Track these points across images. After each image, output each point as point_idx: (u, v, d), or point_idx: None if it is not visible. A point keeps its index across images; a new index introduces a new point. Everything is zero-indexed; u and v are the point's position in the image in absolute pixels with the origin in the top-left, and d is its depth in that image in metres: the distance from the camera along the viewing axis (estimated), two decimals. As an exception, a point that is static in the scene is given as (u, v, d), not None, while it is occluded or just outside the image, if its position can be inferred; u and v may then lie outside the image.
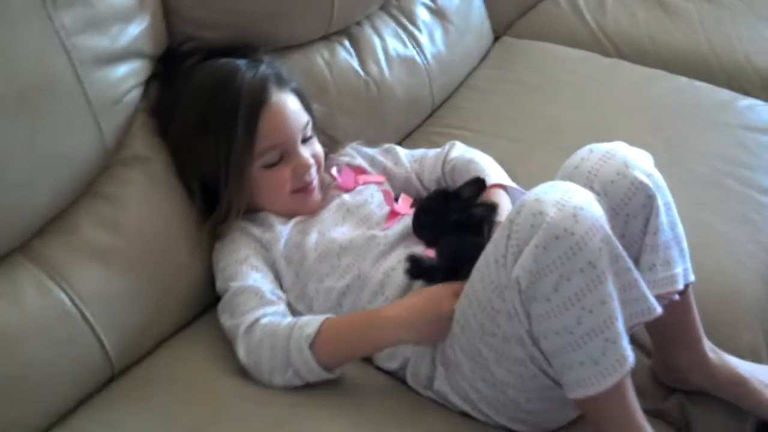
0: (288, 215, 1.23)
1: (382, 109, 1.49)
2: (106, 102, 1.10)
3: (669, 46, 1.80)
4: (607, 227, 0.92)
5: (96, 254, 1.09)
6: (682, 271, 1.04)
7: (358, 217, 1.24)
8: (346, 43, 1.48)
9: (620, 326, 0.92)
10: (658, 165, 1.03)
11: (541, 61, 1.76)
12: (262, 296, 1.11)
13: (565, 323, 0.91)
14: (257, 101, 1.17)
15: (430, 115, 1.64)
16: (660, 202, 0.99)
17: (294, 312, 1.15)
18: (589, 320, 0.90)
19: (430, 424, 1.06)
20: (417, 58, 1.58)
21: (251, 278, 1.13)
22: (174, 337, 1.18)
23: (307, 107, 1.25)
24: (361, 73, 1.47)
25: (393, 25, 1.57)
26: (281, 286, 1.17)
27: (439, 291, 1.07)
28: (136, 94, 1.17)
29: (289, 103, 1.21)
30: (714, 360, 1.12)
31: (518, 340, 0.97)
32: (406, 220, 1.21)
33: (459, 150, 1.35)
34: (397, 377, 1.14)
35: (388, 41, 1.53)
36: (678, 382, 1.15)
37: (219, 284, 1.17)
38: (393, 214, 1.24)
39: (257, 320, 1.08)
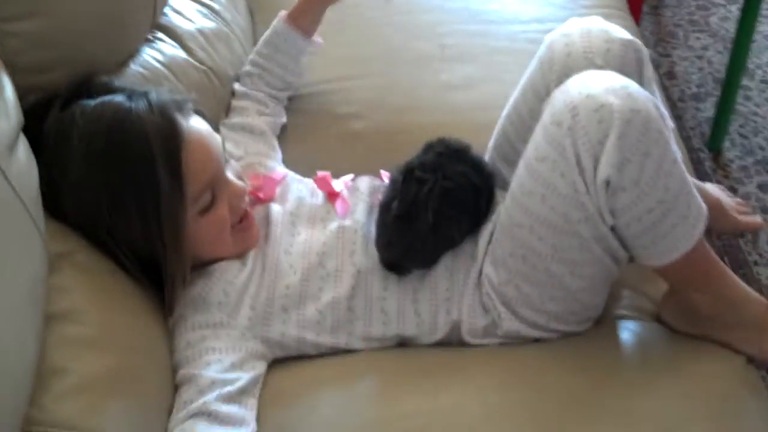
0: (235, 256, 1.05)
1: (225, 97, 1.32)
2: (33, 195, 0.83)
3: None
4: None
5: (102, 386, 0.85)
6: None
7: (305, 218, 1.11)
8: (165, 37, 1.25)
9: (687, 175, 0.95)
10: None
11: None
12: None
13: (658, 197, 0.91)
14: (173, 139, 0.96)
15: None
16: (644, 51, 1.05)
17: (308, 347, 1.04)
18: (673, 182, 0.92)
19: (525, 360, 1.03)
20: (226, 29, 1.40)
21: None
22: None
23: (212, 124, 1.06)
24: (197, 64, 1.27)
25: (188, 1, 1.36)
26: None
27: None
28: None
29: (203, 129, 1.02)
30: None
31: (599, 240, 0.96)
32: (353, 197, 1.13)
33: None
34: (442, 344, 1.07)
35: (196, 21, 1.33)
36: None
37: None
38: (332, 196, 1.13)
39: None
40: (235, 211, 1.04)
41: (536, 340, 1.05)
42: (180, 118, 0.98)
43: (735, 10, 2.35)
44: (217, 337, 0.99)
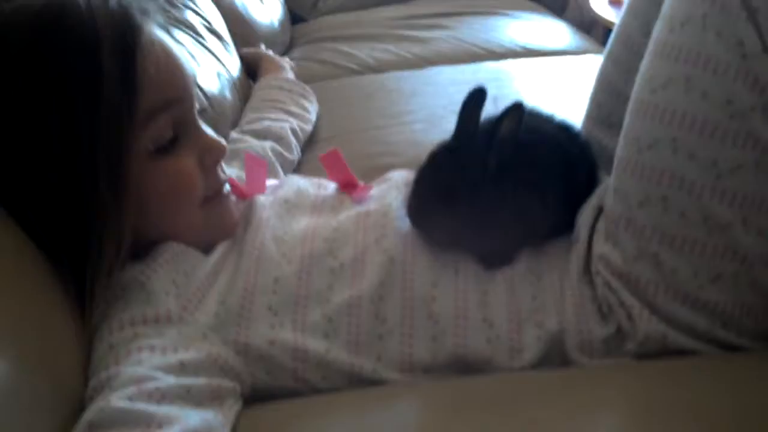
0: (198, 245, 0.70)
1: (222, 130, 1.05)
2: None
3: (440, 54, 1.64)
4: None
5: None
6: None
7: (308, 207, 0.77)
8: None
9: None
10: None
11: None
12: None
13: None
14: (128, 29, 0.64)
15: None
16: None
17: (311, 371, 0.65)
18: None
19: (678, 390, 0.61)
20: (226, 76, 1.19)
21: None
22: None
23: None
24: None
25: (183, 35, 1.13)
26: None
27: None
28: None
29: (170, 44, 0.70)
30: None
31: None
32: (381, 185, 0.81)
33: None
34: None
35: (192, 52, 1.10)
36: None
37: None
38: (347, 187, 0.81)
39: None
40: (207, 173, 0.70)
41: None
42: (142, 19, 0.67)
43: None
44: (161, 334, 0.61)
